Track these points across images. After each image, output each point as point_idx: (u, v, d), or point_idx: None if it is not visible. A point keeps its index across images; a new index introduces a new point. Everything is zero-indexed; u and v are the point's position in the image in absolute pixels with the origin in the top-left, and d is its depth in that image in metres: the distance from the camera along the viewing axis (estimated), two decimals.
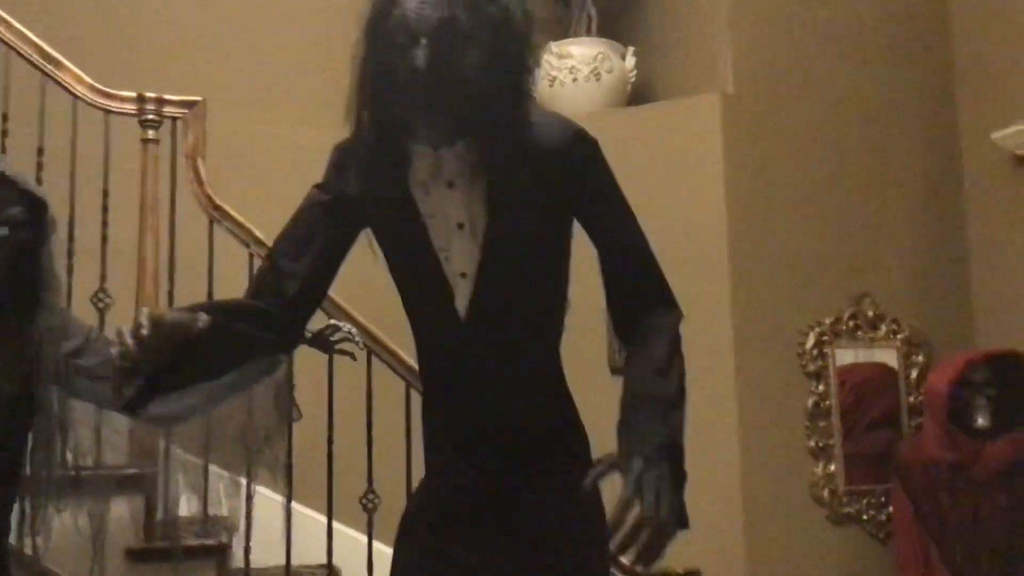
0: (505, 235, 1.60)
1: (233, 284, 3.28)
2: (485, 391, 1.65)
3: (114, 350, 1.44)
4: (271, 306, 1.65)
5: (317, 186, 1.72)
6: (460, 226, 1.61)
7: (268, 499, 3.12)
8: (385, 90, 1.56)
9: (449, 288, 1.63)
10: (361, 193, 1.66)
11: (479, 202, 1.60)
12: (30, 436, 2.38)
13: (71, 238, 3.17)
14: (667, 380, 1.54)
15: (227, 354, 1.67)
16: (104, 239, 3.26)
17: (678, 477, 1.44)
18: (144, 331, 1.40)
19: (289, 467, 3.09)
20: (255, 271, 1.73)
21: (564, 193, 1.63)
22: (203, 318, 1.49)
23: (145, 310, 1.45)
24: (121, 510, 2.87)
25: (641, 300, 1.66)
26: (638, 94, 4.52)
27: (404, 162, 1.61)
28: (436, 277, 1.63)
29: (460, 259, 1.62)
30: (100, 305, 3.21)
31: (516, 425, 1.65)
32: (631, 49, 4.48)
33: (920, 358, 4.16)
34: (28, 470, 2.38)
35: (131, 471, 2.97)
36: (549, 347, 1.72)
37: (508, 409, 1.65)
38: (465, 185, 1.60)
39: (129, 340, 1.40)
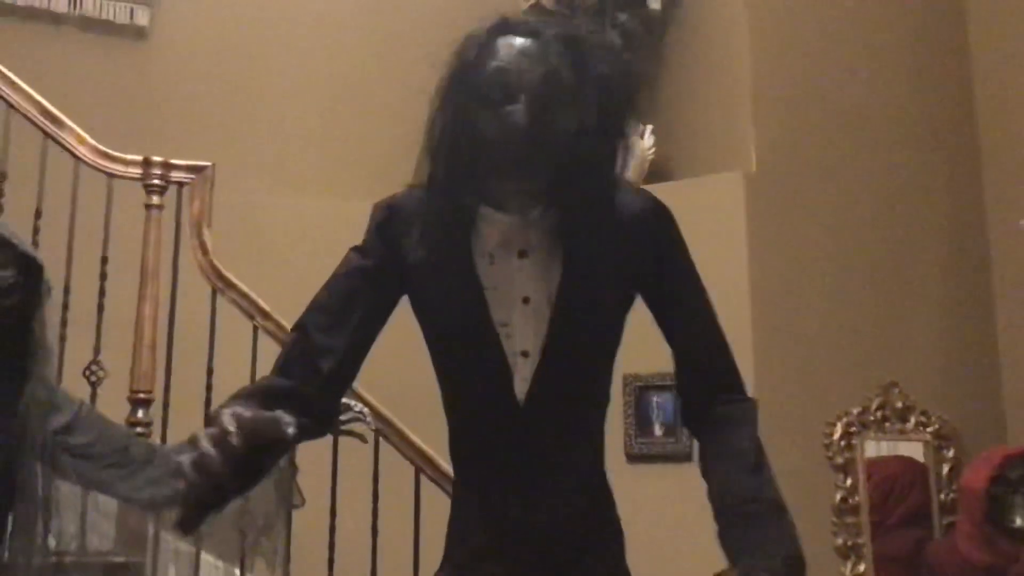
0: (575, 311, 1.46)
1: (236, 358, 3.14)
2: (534, 481, 1.49)
3: (184, 458, 1.17)
4: (304, 385, 1.46)
5: (356, 249, 1.55)
6: (525, 300, 1.47)
7: None
8: (467, 147, 1.42)
9: (507, 367, 1.47)
10: (412, 258, 1.50)
11: (551, 273, 1.47)
12: (10, 518, 2.18)
13: (66, 306, 3.01)
14: (764, 478, 1.41)
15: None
16: (100, 308, 3.11)
17: None
18: (235, 439, 1.16)
19: (287, 557, 2.88)
20: (284, 344, 1.53)
21: (639, 267, 1.51)
22: (289, 420, 1.24)
23: (228, 412, 1.20)
24: None
25: (717, 386, 1.53)
26: (656, 172, 4.41)
27: (470, 227, 1.47)
28: (493, 355, 1.46)
29: (523, 336, 1.47)
30: (93, 379, 3.03)
31: (561, 521, 1.49)
32: (649, 127, 4.39)
33: (951, 453, 3.97)
34: (6, 555, 2.19)
35: (118, 559, 2.75)
36: (598, 435, 1.58)
37: (555, 503, 1.49)
38: (538, 255, 1.47)
39: (210, 448, 1.15)
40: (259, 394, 1.41)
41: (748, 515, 1.36)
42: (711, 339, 1.55)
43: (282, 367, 1.49)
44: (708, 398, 1.52)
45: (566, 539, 1.50)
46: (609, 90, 1.43)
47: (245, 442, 1.16)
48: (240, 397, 1.38)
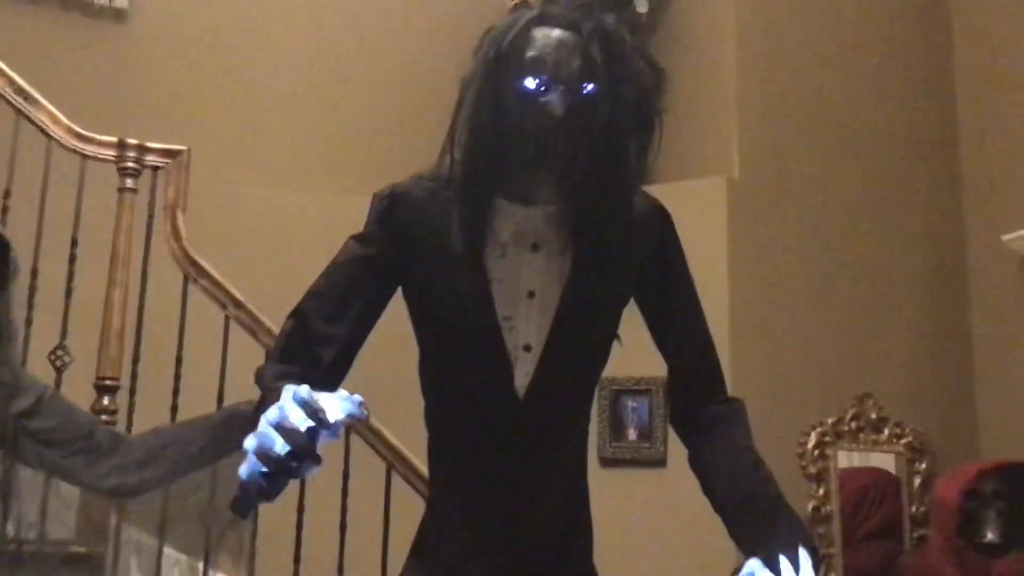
0: (579, 306, 1.45)
1: (206, 347, 3.08)
2: (525, 478, 1.46)
3: (295, 422, 1.09)
4: (308, 374, 1.37)
5: (356, 238, 1.50)
6: (531, 294, 1.45)
7: None
8: (498, 137, 1.39)
9: (509, 361, 1.44)
10: (417, 248, 1.46)
11: (559, 269, 1.45)
12: None
13: (33, 289, 2.94)
14: (767, 475, 1.42)
15: None
16: (69, 292, 3.04)
17: None
18: (366, 413, 1.13)
19: (252, 553, 2.82)
20: (282, 331, 1.46)
21: (641, 269, 1.51)
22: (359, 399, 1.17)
23: (352, 395, 1.14)
24: None
25: (709, 388, 1.55)
26: None
27: (487, 219, 1.44)
28: (494, 349, 1.43)
29: (526, 330, 1.44)
30: (58, 363, 2.96)
31: (546, 519, 1.47)
32: None
33: (923, 465, 3.96)
34: None
35: (78, 549, 2.68)
36: (585, 435, 1.57)
37: (543, 500, 1.47)
38: (550, 249, 1.45)
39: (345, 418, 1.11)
40: (292, 377, 1.32)
41: (760, 511, 1.37)
42: (704, 343, 1.56)
43: (282, 354, 1.43)
44: (700, 400, 1.54)
45: (548, 537, 1.48)
46: (643, 89, 1.42)
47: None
48: (283, 378, 1.30)
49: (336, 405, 1.12)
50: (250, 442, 1.10)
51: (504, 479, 1.46)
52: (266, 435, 1.09)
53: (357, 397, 1.15)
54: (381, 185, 1.52)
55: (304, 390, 1.11)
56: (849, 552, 3.81)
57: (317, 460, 1.10)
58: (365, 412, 1.14)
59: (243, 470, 1.09)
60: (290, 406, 1.10)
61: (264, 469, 1.08)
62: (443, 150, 1.46)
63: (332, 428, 1.10)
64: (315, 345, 1.42)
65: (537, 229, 1.45)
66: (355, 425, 2.98)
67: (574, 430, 1.53)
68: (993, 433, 4.01)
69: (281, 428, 1.09)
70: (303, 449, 1.08)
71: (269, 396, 1.21)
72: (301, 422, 1.09)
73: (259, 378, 1.38)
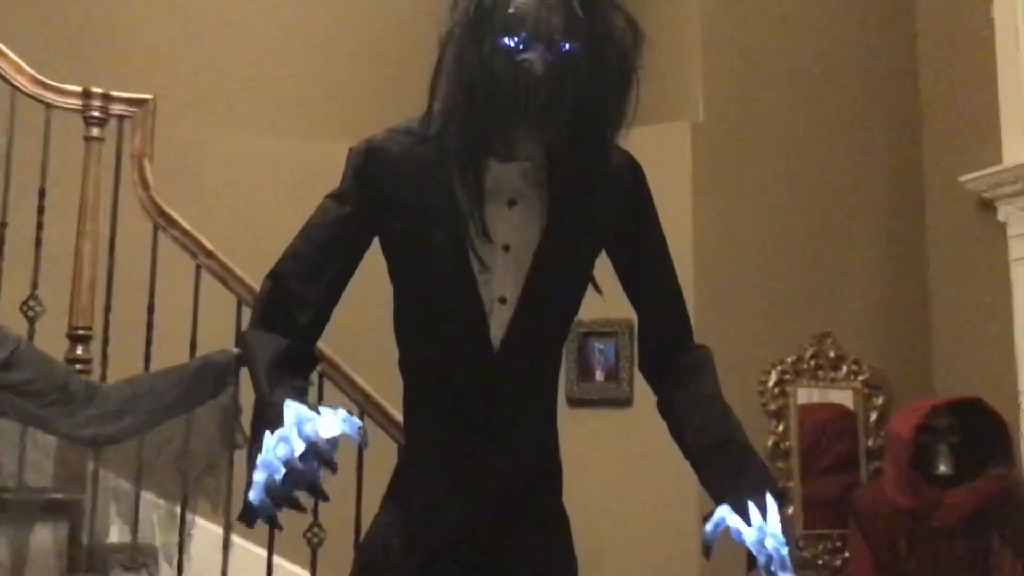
0: (554, 260, 1.50)
1: (176, 297, 3.11)
2: (501, 426, 1.52)
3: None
4: (290, 341, 1.45)
5: (332, 196, 1.53)
6: (506, 248, 1.49)
7: (205, 530, 2.91)
8: (477, 92, 1.40)
9: (484, 313, 1.49)
10: (394, 202, 1.49)
11: (534, 223, 1.49)
12: None
13: (2, 240, 2.94)
14: (735, 422, 1.50)
15: None
16: (38, 242, 3.04)
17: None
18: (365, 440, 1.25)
19: (229, 498, 2.88)
20: (260, 293, 1.51)
21: (615, 222, 1.55)
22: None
23: (352, 416, 1.26)
24: (43, 538, 2.64)
25: (677, 337, 1.62)
26: None
27: (484, 176, 1.46)
28: (471, 302, 1.48)
29: (502, 283, 1.49)
30: (30, 314, 2.98)
31: (520, 464, 1.54)
32: None
33: (880, 400, 4.09)
34: None
35: (57, 496, 2.73)
36: (555, 380, 1.63)
37: (518, 447, 1.53)
38: (526, 204, 1.49)
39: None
40: (284, 362, 1.41)
41: (728, 459, 1.44)
42: (674, 293, 1.62)
43: (262, 318, 1.48)
44: (669, 348, 1.60)
45: (519, 481, 1.54)
46: (622, 46, 1.43)
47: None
48: (275, 367, 1.38)
49: (334, 424, 1.22)
50: (259, 475, 1.20)
51: (478, 426, 1.51)
52: (275, 468, 1.19)
53: (357, 421, 1.24)
54: (348, 130, 1.54)
55: (310, 427, 1.20)
56: (808, 484, 3.94)
57: (322, 496, 1.22)
58: (364, 439, 1.24)
59: (253, 496, 1.20)
60: (294, 437, 1.20)
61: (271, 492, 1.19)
62: (428, 107, 1.47)
63: (331, 467, 1.21)
64: (293, 309, 1.47)
65: (514, 185, 1.48)
66: (330, 375, 3.04)
67: (546, 378, 1.59)
68: (947, 370, 4.13)
69: (289, 465, 1.18)
70: (309, 487, 1.19)
71: (270, 411, 1.29)
72: (300, 450, 1.19)
73: (244, 347, 1.45)
